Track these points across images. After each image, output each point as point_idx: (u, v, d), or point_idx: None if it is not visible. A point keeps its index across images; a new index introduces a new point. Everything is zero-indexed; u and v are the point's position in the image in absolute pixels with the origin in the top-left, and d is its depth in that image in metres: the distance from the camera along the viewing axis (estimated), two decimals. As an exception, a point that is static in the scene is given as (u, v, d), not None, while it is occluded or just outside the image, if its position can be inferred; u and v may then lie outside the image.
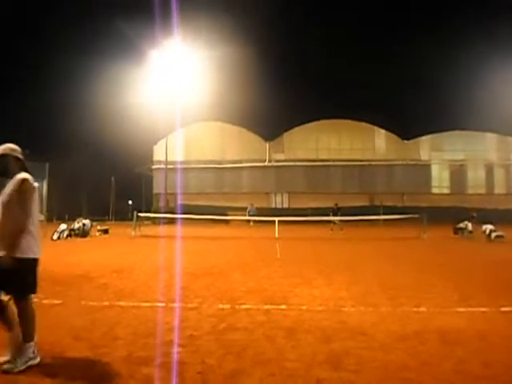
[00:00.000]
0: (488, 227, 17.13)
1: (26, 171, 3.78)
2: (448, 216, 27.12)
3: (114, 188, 54.28)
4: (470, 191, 40.53)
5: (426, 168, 42.00)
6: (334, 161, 41.65)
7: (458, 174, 41.62)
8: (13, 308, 3.66)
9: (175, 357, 3.82)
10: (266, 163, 42.08)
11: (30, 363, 3.57)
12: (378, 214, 29.61)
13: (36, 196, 3.79)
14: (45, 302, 5.89)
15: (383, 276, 8.38)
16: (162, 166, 37.28)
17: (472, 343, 4.28)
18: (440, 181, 42.27)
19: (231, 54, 39.62)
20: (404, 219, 22.51)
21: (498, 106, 35.96)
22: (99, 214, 43.40)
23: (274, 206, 41.88)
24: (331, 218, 23.56)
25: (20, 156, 3.86)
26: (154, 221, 32.40)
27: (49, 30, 73.80)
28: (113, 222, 42.66)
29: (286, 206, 41.99)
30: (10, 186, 3.67)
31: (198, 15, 43.81)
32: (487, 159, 41.35)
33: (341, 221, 23.49)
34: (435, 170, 42.34)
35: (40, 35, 73.58)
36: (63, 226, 18.41)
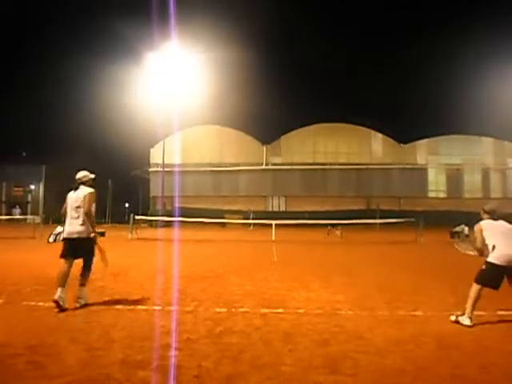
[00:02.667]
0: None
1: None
2: (444, 220, 27.22)
3: (110, 191, 54.18)
4: (467, 195, 40.67)
5: (422, 172, 42.14)
6: (330, 164, 41.75)
7: (454, 178, 41.79)
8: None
9: (171, 360, 3.80)
10: (264, 166, 42.12)
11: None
12: (375, 218, 29.70)
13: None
14: (41, 304, 5.87)
15: (380, 280, 8.39)
16: (160, 168, 37.22)
17: (469, 347, 4.29)
18: (437, 185, 42.43)
19: (229, 57, 39.81)
20: (401, 223, 22.55)
21: (494, 110, 36.21)
22: (96, 216, 43.27)
23: (270, 209, 41.91)
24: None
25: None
26: (151, 224, 32.35)
27: (47, 33, 73.83)
28: (109, 224, 42.55)
29: (282, 209, 42.03)
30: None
31: (197, 18, 44.00)
32: (484, 163, 41.54)
33: (338, 224, 23.47)
34: (432, 174, 42.49)
35: (38, 38, 73.66)
36: (59, 229, 18.28)
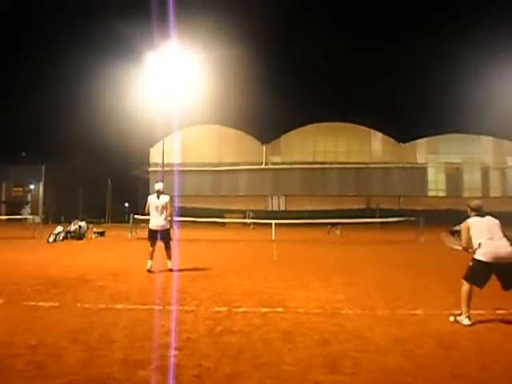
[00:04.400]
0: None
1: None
2: (444, 219, 27.22)
3: (110, 190, 54.11)
4: (466, 194, 40.67)
5: (422, 171, 42.16)
6: (330, 163, 41.75)
7: (454, 176, 41.81)
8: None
9: (171, 360, 3.80)
10: (263, 166, 42.13)
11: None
12: (375, 217, 29.69)
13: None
14: (41, 304, 5.87)
15: (380, 279, 8.39)
16: (159, 168, 37.17)
17: (468, 346, 4.29)
18: (436, 184, 42.45)
19: (229, 57, 39.74)
20: (400, 222, 22.55)
21: (493, 109, 36.17)
22: (95, 216, 43.22)
23: (270, 208, 41.92)
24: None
25: None
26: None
27: (47, 33, 73.79)
28: (109, 224, 42.51)
29: (282, 208, 42.02)
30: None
31: (197, 18, 43.97)
32: (483, 162, 41.56)
33: (338, 224, 23.46)
34: (431, 173, 42.51)
35: (38, 38, 73.63)
36: (59, 229, 18.33)
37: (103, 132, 50.48)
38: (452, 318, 5.17)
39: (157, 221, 8.82)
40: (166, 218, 8.84)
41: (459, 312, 5.17)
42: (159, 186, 9.04)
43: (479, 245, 5.11)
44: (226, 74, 43.55)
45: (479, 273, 5.11)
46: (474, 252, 5.18)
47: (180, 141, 41.51)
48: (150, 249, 8.92)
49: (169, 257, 8.96)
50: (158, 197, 8.90)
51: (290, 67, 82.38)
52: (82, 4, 75.18)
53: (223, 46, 40.78)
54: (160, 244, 8.96)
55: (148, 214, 9.00)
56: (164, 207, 8.82)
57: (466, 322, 5.03)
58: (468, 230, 5.28)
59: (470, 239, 5.24)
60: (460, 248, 5.53)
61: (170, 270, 8.81)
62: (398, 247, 16.85)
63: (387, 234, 23.62)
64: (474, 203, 5.52)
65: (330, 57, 76.90)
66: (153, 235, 8.94)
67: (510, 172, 41.72)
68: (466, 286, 5.20)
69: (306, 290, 7.12)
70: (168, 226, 8.93)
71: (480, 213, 5.39)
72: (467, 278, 5.23)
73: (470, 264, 5.24)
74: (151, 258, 8.83)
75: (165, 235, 8.92)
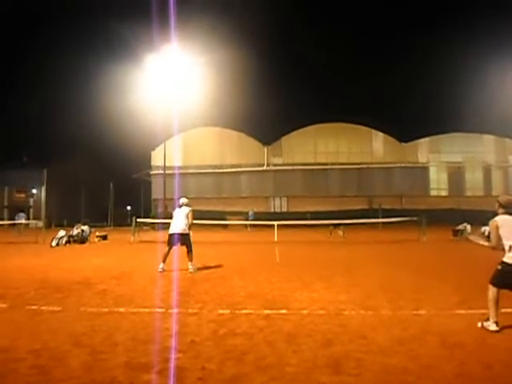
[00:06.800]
0: (487, 229, 17.12)
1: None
2: (446, 218, 27.18)
3: (112, 194, 54.15)
4: (468, 193, 40.58)
5: (424, 170, 42.06)
6: (332, 164, 41.69)
7: (456, 176, 41.69)
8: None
9: (175, 363, 3.80)
10: (265, 167, 42.11)
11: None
12: (377, 217, 29.61)
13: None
14: (44, 308, 5.88)
15: (383, 279, 8.38)
16: (161, 171, 37.21)
17: (472, 345, 4.28)
18: (438, 183, 42.34)
19: (229, 59, 39.82)
20: (403, 222, 22.50)
21: (495, 107, 36.10)
22: (98, 220, 43.24)
23: (272, 210, 41.88)
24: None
25: None
26: (153, 226, 32.31)
27: (47, 35, 74.01)
28: (111, 227, 42.55)
29: (284, 209, 41.99)
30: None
31: (197, 20, 44.06)
32: (485, 161, 41.44)
33: (340, 224, 23.41)
34: (433, 173, 42.40)
35: (38, 40, 73.83)
36: (62, 233, 18.35)
37: (104, 135, 50.63)
38: (479, 324, 4.89)
39: (176, 225, 9.68)
40: (184, 224, 9.64)
41: (486, 317, 4.91)
42: (183, 200, 10.07)
43: (510, 248, 4.77)
44: (226, 75, 43.68)
45: (509, 277, 4.77)
46: (503, 253, 4.84)
47: (181, 143, 41.58)
48: (166, 251, 9.63)
49: (190, 259, 9.61)
50: (180, 207, 9.93)
51: (291, 68, 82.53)
52: (82, 5, 75.45)
53: (223, 48, 40.92)
54: (180, 248, 9.78)
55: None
56: (186, 216, 9.74)
57: (493, 327, 4.75)
58: (497, 229, 4.87)
59: (499, 238, 4.86)
60: (486, 244, 5.24)
61: (190, 272, 9.38)
62: (400, 247, 16.82)
63: (389, 233, 23.58)
64: (504, 199, 5.06)
65: (330, 57, 77.00)
66: (171, 240, 9.64)
67: (512, 170, 41.62)
68: (492, 291, 4.88)
69: (308, 291, 7.12)
70: (187, 231, 9.67)
71: (509, 210, 4.96)
72: (495, 283, 4.89)
73: (499, 267, 4.88)
74: (164, 261, 9.46)
75: (184, 239, 9.61)
